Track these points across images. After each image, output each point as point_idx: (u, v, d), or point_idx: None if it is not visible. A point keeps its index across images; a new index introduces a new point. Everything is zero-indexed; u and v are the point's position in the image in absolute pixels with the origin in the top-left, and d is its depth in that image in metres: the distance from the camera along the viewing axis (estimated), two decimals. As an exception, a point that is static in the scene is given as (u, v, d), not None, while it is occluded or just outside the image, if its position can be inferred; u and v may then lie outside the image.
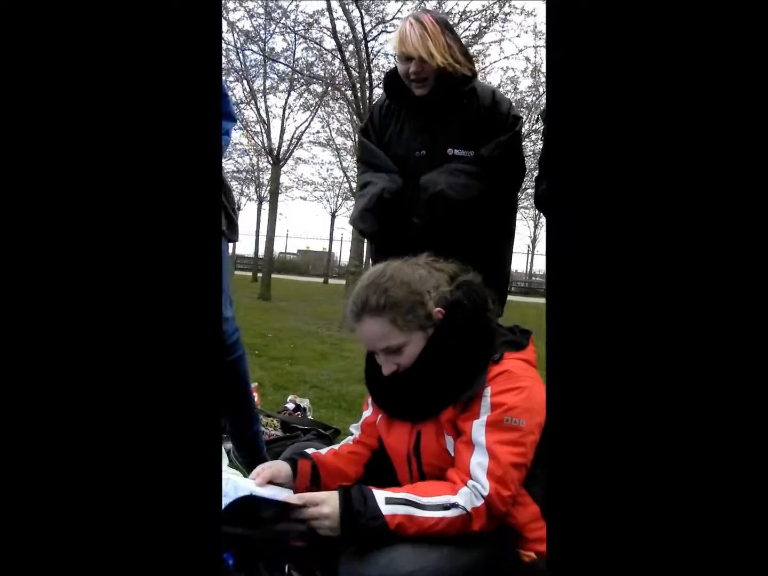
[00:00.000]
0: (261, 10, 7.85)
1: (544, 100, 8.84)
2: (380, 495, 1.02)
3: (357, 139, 1.94)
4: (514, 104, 1.73)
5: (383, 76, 1.73)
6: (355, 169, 10.75)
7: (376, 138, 1.75)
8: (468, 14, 7.11)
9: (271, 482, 1.15)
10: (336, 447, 1.31)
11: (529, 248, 24.81)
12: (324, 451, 1.28)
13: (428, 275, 1.17)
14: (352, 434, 1.35)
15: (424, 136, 1.65)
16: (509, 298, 1.57)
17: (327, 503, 1.02)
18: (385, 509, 1.00)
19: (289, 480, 1.19)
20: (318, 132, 11.64)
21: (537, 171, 1.48)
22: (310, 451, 1.27)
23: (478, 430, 1.08)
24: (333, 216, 19.61)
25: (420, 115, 1.66)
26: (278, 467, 1.19)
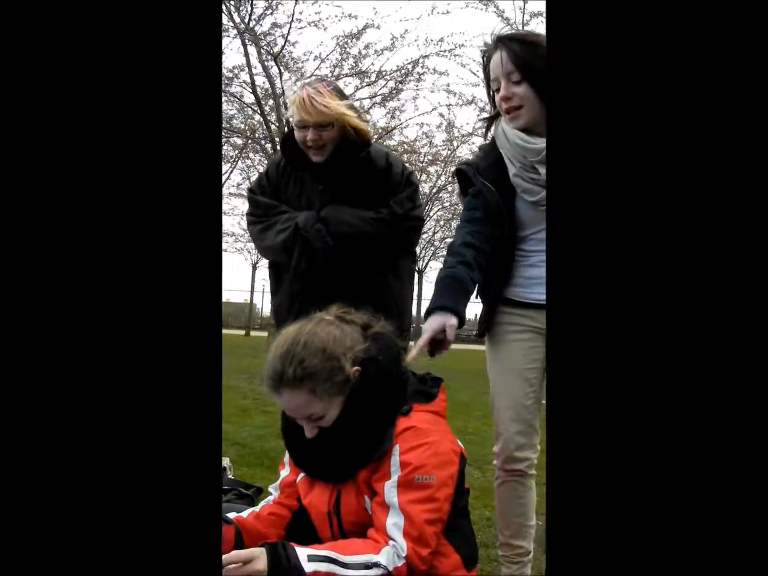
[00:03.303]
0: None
1: (458, 153, 9.22)
2: (303, 552, 1.01)
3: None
4: (408, 165, 1.82)
5: (279, 140, 1.78)
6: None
7: (272, 196, 1.76)
8: (384, 73, 7.42)
9: None
10: (257, 509, 1.27)
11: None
12: (245, 514, 1.24)
13: (342, 334, 1.15)
14: (271, 494, 1.31)
15: (324, 199, 1.68)
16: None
17: (260, 560, 0.99)
18: (308, 566, 0.99)
19: None
20: (240, 184, 11.62)
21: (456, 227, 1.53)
22: (231, 515, 1.22)
23: (390, 491, 1.08)
24: (254, 267, 19.39)
25: (319, 180, 1.70)
26: None
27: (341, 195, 1.68)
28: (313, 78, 1.74)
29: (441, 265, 1.45)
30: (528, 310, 1.42)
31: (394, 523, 1.06)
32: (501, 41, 1.36)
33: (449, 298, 1.31)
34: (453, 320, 1.28)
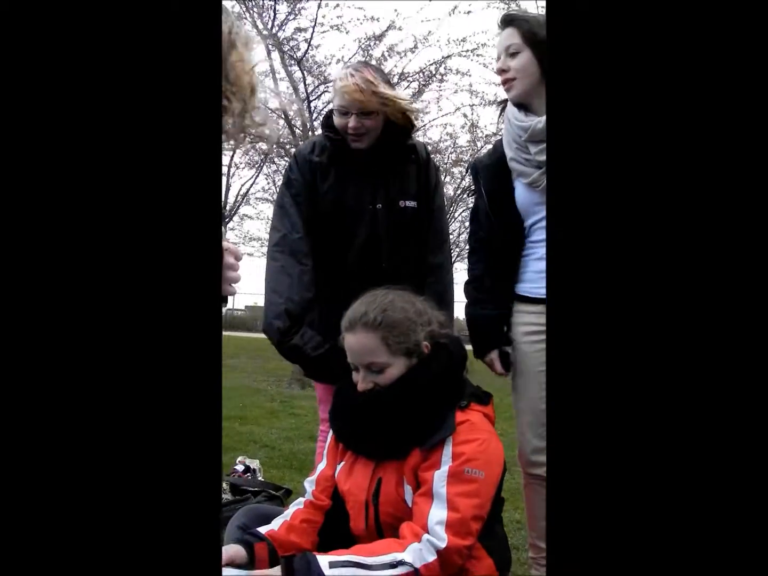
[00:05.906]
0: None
1: (482, 152, 9.19)
2: (324, 559, 1.00)
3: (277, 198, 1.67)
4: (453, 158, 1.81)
5: (322, 123, 1.64)
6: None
7: (305, 189, 1.60)
8: (406, 74, 7.41)
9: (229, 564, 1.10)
10: (288, 517, 1.23)
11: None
12: (278, 524, 1.21)
13: (424, 311, 1.23)
14: (305, 490, 1.30)
15: (377, 189, 1.59)
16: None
17: None
18: (329, 572, 0.98)
19: (246, 563, 1.13)
20: (264, 189, 11.70)
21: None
22: (263, 529, 1.19)
23: (439, 481, 1.08)
24: (281, 271, 19.47)
25: (368, 169, 1.59)
26: (235, 551, 1.13)
27: (393, 186, 1.60)
28: (359, 62, 1.72)
29: (466, 266, 1.58)
30: (538, 306, 1.42)
31: (436, 515, 1.05)
32: (505, 20, 1.44)
33: (478, 342, 1.53)
34: (493, 355, 1.49)
